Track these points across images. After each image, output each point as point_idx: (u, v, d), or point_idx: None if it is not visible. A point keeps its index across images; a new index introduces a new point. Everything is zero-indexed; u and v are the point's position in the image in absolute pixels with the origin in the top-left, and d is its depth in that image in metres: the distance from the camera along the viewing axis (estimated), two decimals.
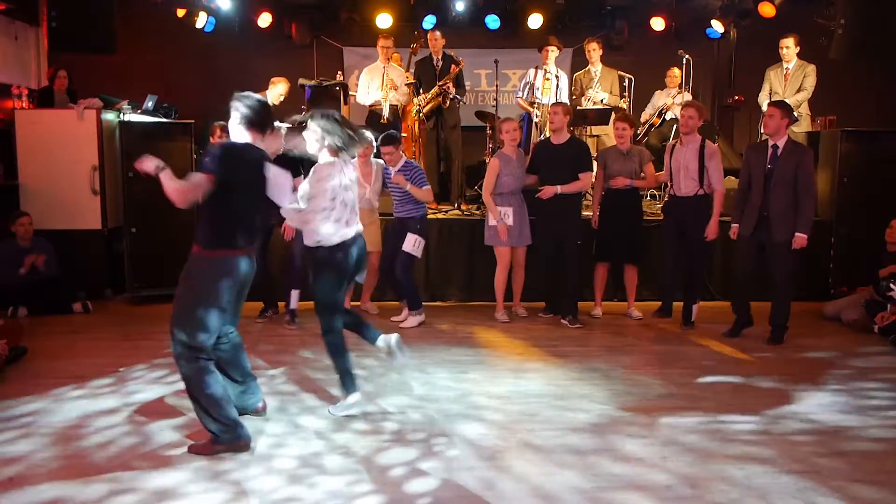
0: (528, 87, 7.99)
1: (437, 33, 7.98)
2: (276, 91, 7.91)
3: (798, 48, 7.40)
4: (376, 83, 7.77)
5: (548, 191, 6.02)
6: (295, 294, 6.04)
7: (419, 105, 7.80)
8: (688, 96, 7.94)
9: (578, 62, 9.65)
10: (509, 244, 6.15)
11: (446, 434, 3.81)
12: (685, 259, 6.02)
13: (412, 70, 8.14)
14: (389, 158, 6.04)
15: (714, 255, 6.86)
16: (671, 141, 6.33)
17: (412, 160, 6.48)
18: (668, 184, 6.14)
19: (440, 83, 7.73)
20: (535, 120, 7.74)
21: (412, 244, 5.97)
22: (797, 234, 5.41)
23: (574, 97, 8.26)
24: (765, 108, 7.56)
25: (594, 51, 8.15)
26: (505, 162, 6.10)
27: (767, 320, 5.68)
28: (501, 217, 6.04)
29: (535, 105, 7.78)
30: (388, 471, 3.41)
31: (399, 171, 6.01)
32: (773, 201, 5.43)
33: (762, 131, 5.54)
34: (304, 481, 3.30)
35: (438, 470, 3.42)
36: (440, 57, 7.93)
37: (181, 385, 4.50)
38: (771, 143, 5.51)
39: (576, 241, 6.08)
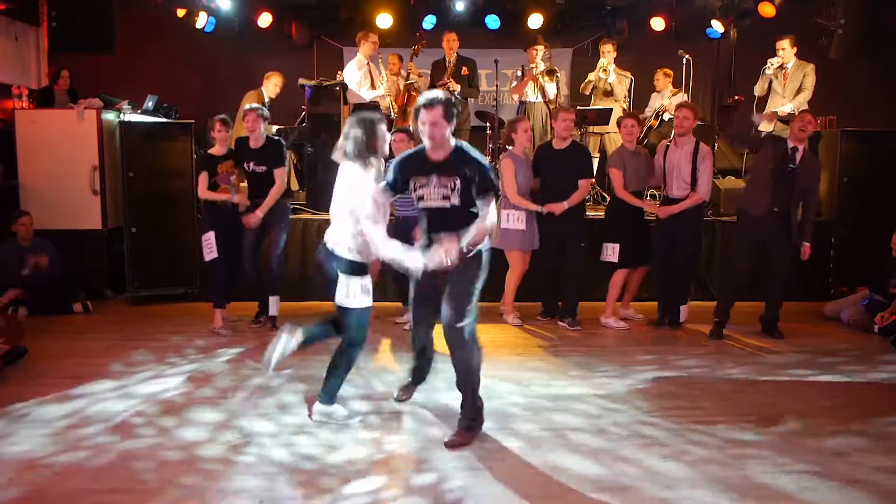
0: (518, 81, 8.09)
1: (453, 35, 7.97)
2: (272, 83, 7.93)
3: (794, 48, 7.35)
4: (369, 79, 7.84)
5: (557, 208, 5.86)
6: (274, 300, 5.89)
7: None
8: (684, 97, 7.93)
9: (578, 62, 9.66)
10: (523, 248, 6.06)
11: (443, 434, 3.80)
12: (673, 261, 5.94)
13: (417, 69, 8.16)
14: (398, 147, 5.60)
15: (715, 255, 6.85)
16: (663, 142, 6.24)
17: None
18: (662, 186, 6.08)
19: (440, 82, 7.74)
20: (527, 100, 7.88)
21: None
22: (805, 243, 5.64)
23: (592, 94, 8.32)
24: (758, 92, 7.56)
25: (609, 52, 8.13)
26: (517, 162, 5.97)
27: (758, 318, 5.87)
28: (517, 220, 5.91)
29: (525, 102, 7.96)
30: (388, 471, 3.43)
31: None
32: (790, 202, 5.55)
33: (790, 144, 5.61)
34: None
35: (435, 470, 3.42)
36: (452, 59, 7.93)
37: (179, 385, 4.54)
38: (791, 143, 5.58)
39: (579, 244, 6.02)
